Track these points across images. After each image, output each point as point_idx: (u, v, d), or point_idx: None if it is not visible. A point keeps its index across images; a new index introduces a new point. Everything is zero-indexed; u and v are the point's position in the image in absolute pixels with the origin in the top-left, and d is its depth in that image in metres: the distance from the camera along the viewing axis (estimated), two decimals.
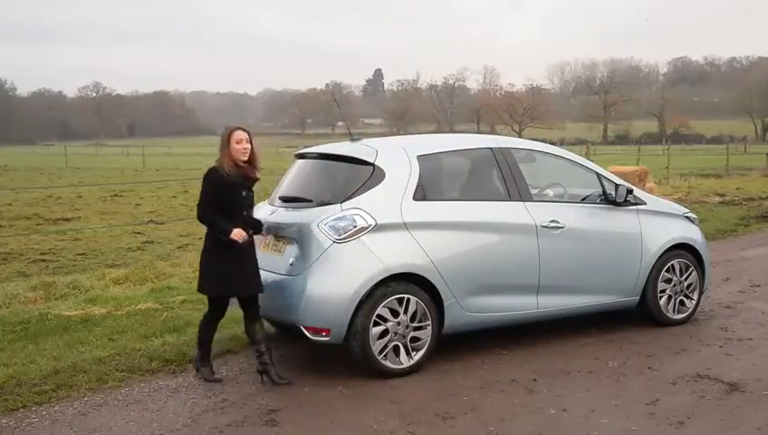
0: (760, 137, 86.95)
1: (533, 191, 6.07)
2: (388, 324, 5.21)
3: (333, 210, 5.24)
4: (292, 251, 5.35)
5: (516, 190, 5.86)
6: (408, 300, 5.26)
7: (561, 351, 5.83)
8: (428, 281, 5.33)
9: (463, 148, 6.25)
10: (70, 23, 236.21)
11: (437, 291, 5.37)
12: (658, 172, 24.03)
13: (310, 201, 5.55)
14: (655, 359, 5.60)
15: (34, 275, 9.44)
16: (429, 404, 4.75)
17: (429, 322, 5.35)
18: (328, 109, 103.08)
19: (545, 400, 4.81)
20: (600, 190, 6.30)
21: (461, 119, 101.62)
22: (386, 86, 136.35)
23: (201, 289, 5.22)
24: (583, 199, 6.32)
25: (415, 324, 5.30)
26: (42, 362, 5.55)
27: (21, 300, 7.54)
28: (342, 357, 5.31)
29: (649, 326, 6.42)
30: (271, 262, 5.51)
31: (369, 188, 5.36)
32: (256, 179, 5.14)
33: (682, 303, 6.54)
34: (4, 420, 4.56)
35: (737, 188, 20.14)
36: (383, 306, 5.18)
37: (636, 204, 6.37)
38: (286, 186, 6.01)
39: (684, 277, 6.53)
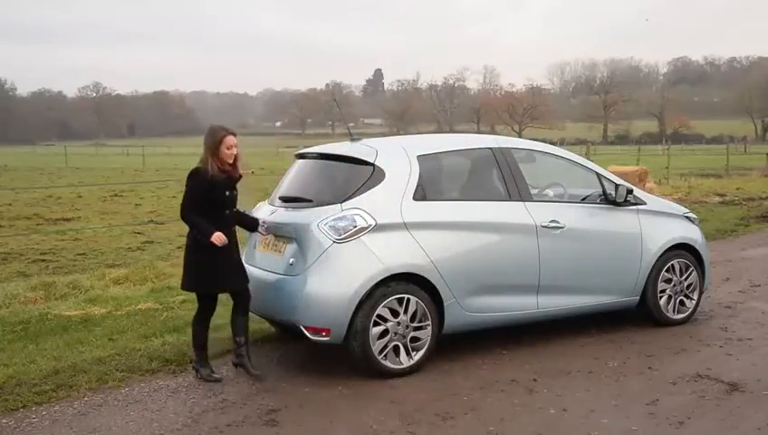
0: (760, 137, 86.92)
1: (533, 191, 6.07)
2: (388, 324, 5.20)
3: (333, 210, 5.24)
4: (292, 251, 5.35)
5: (516, 190, 5.86)
6: (408, 300, 5.26)
7: (561, 351, 5.83)
8: (428, 281, 5.33)
9: (463, 148, 6.25)
10: (70, 23, 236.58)
11: (437, 291, 5.37)
12: (658, 172, 24.03)
13: (310, 201, 5.55)
14: (655, 359, 5.60)
15: (34, 275, 9.44)
16: (429, 404, 4.75)
17: (429, 322, 5.35)
18: (328, 109, 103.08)
19: (545, 400, 4.81)
20: (600, 190, 6.29)
21: (461, 119, 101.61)
22: (386, 86, 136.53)
23: (186, 287, 5.28)
24: (583, 199, 6.32)
25: (415, 324, 5.30)
26: (42, 362, 5.55)
27: (21, 300, 7.55)
28: (342, 357, 5.31)
29: (649, 326, 6.42)
30: (271, 262, 5.51)
31: (369, 188, 5.36)
32: (239, 178, 5.22)
33: (682, 303, 6.54)
34: (4, 420, 4.56)
35: (737, 188, 20.14)
36: (383, 306, 5.18)
37: (636, 204, 6.37)
38: (286, 186, 6.01)
39: (684, 277, 6.53)
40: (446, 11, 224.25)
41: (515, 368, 5.44)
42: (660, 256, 6.38)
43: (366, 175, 5.43)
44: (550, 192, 6.44)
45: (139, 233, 14.05)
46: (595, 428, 4.35)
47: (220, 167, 5.06)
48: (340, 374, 5.28)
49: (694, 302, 6.62)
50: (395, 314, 5.22)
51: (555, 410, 4.62)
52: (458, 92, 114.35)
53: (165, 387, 5.14)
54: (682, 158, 37.51)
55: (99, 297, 7.65)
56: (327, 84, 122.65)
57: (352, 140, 5.90)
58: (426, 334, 5.35)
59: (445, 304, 5.42)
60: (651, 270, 6.34)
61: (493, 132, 78.46)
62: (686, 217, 6.79)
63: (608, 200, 6.26)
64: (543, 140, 9.78)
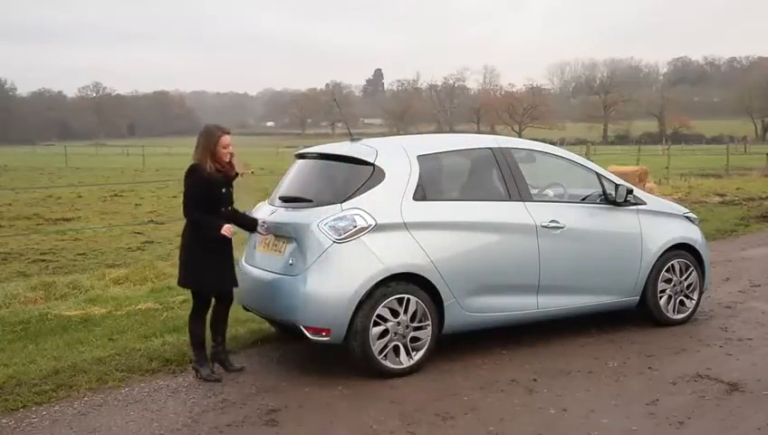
0: (760, 137, 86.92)
1: (533, 191, 6.07)
2: (388, 324, 5.20)
3: (333, 210, 5.24)
4: (291, 251, 5.35)
5: (516, 190, 5.86)
6: (408, 300, 5.26)
7: (561, 351, 5.83)
8: (428, 281, 5.33)
9: (463, 148, 6.25)
10: (70, 23, 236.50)
11: (437, 291, 5.37)
12: (658, 172, 24.02)
13: (310, 201, 5.56)
14: (655, 359, 5.60)
15: (34, 275, 9.44)
16: (429, 404, 4.75)
17: (429, 322, 5.35)
18: (328, 109, 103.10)
19: (545, 400, 4.81)
20: (600, 190, 6.29)
21: (461, 119, 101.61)
22: (386, 86, 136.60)
23: (185, 284, 5.32)
24: (583, 199, 6.32)
25: (415, 324, 5.30)
26: (42, 362, 5.55)
27: (21, 300, 7.55)
28: (342, 357, 5.31)
29: (649, 326, 6.42)
30: (271, 262, 5.51)
31: (369, 188, 5.36)
32: (235, 176, 5.28)
33: (682, 303, 6.54)
34: (4, 420, 4.56)
35: (737, 188, 20.13)
36: (383, 306, 5.18)
37: (636, 204, 6.37)
38: (286, 186, 6.01)
39: (684, 277, 6.53)
40: (446, 11, 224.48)
41: (515, 368, 5.44)
42: (660, 256, 6.38)
43: (366, 175, 5.43)
44: (550, 192, 6.44)
45: (139, 233, 14.05)
46: (595, 428, 4.35)
47: (217, 166, 5.12)
48: (340, 374, 5.28)
49: (694, 302, 6.62)
50: (395, 314, 5.22)
51: (555, 410, 4.62)
52: (458, 92, 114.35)
53: (165, 387, 5.14)
54: (682, 158, 37.52)
55: (99, 297, 7.65)
56: (327, 84, 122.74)
57: (352, 140, 5.90)
58: (426, 334, 5.35)
59: (445, 304, 5.42)
60: (651, 270, 6.34)
61: (493, 132, 78.47)
62: (686, 217, 6.79)
63: (608, 200, 6.26)
64: (543, 140, 9.78)
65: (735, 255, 10.05)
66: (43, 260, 11.21)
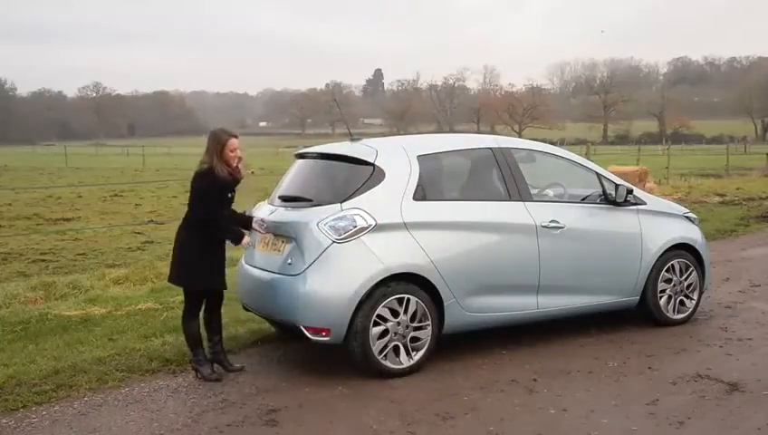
0: (760, 137, 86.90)
1: (533, 191, 6.06)
2: (388, 324, 5.20)
3: (333, 209, 5.24)
4: (290, 250, 5.35)
5: (516, 190, 5.86)
6: (408, 300, 5.26)
7: (561, 351, 5.83)
8: (428, 281, 5.32)
9: (463, 148, 6.25)
10: (70, 23, 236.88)
11: (437, 291, 5.37)
12: (658, 172, 24.02)
13: (309, 200, 5.56)
14: (655, 359, 5.60)
15: (34, 275, 9.44)
16: (429, 404, 4.75)
17: (429, 322, 5.35)
18: (328, 109, 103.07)
19: (545, 400, 4.81)
20: (600, 190, 6.29)
21: (461, 119, 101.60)
22: (386, 86, 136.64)
23: (177, 281, 5.38)
24: (583, 199, 6.32)
25: (415, 324, 5.30)
26: (42, 362, 5.55)
27: (21, 300, 7.54)
28: (342, 357, 5.31)
29: (649, 326, 6.42)
30: (270, 261, 5.51)
31: (369, 188, 5.36)
32: (240, 180, 5.32)
33: (682, 303, 6.54)
34: (4, 420, 4.56)
35: (737, 188, 20.13)
36: (383, 306, 5.18)
37: (636, 204, 6.37)
38: (286, 185, 6.01)
39: (684, 277, 6.53)
40: (446, 11, 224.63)
41: (515, 368, 5.44)
42: (660, 256, 6.38)
43: (366, 175, 5.43)
44: (550, 192, 6.44)
45: (139, 233, 14.05)
46: (595, 428, 4.35)
47: (227, 170, 5.17)
48: (340, 374, 5.28)
49: (694, 302, 6.62)
50: (395, 314, 5.22)
51: (555, 410, 4.62)
52: (458, 92, 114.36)
53: (165, 387, 5.15)
54: (682, 158, 37.51)
55: (99, 297, 7.65)
56: (327, 84, 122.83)
57: (352, 140, 5.90)
58: (426, 334, 5.35)
59: (445, 304, 5.42)
60: (651, 270, 6.34)
61: (493, 132, 78.46)
62: (686, 217, 6.79)
63: (608, 200, 6.26)
64: (543, 140, 9.79)
65: (735, 255, 10.05)
66: (43, 260, 11.21)
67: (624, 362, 5.54)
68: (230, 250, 5.54)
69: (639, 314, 6.50)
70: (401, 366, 5.26)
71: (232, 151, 5.16)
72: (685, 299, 6.56)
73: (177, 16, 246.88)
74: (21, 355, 5.73)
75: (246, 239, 5.38)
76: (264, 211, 5.80)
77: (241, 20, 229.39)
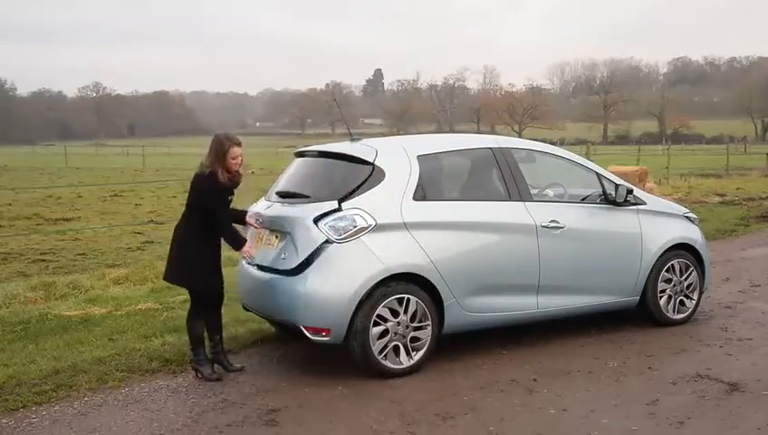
0: (760, 137, 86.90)
1: (533, 191, 6.06)
2: (388, 324, 5.20)
3: (329, 206, 5.23)
4: (284, 244, 5.35)
5: (516, 190, 5.85)
6: (408, 300, 5.26)
7: (561, 351, 5.83)
8: (428, 281, 5.32)
9: (463, 148, 6.24)
10: (70, 23, 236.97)
11: (437, 291, 5.37)
12: (658, 172, 24.02)
13: (307, 197, 5.55)
14: (655, 359, 5.60)
15: (34, 275, 9.44)
16: (429, 404, 4.75)
17: (429, 322, 5.35)
18: (328, 109, 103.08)
19: (545, 400, 4.81)
20: (600, 190, 6.29)
21: (461, 119, 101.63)
22: (386, 86, 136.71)
23: (176, 280, 5.43)
24: (583, 199, 6.32)
25: (415, 324, 5.30)
26: (42, 362, 5.55)
27: (21, 300, 7.54)
28: (342, 357, 5.31)
29: (649, 326, 6.42)
30: (263, 255, 5.52)
31: (369, 188, 5.35)
32: (239, 183, 5.37)
33: (682, 303, 6.54)
34: (4, 420, 4.56)
35: (737, 188, 20.13)
36: (383, 306, 5.18)
37: (636, 204, 6.36)
38: (284, 182, 6.00)
39: (684, 277, 6.53)
40: (446, 11, 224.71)
41: (515, 368, 5.44)
42: (660, 256, 6.38)
43: (366, 175, 5.43)
44: (550, 192, 6.44)
45: (139, 233, 14.04)
46: (595, 428, 4.35)
47: (228, 175, 5.22)
48: (340, 374, 5.28)
49: (694, 302, 6.62)
50: (395, 314, 5.22)
51: (555, 410, 4.62)
52: (458, 92, 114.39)
53: (165, 387, 5.14)
54: (682, 158, 37.52)
55: (99, 297, 7.65)
56: (327, 84, 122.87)
57: (352, 140, 5.90)
58: (426, 334, 5.35)
59: (445, 304, 5.41)
60: (651, 270, 6.34)
61: (493, 132, 78.46)
62: (686, 217, 6.79)
63: (608, 200, 6.26)
64: (543, 140, 9.78)
65: (735, 255, 10.05)
66: (43, 260, 11.20)
67: (624, 362, 5.54)
68: (231, 250, 5.53)
69: (639, 314, 6.50)
70: (401, 366, 5.26)
71: (233, 159, 5.21)
72: (685, 299, 6.56)
73: (177, 16, 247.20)
74: (21, 355, 5.72)
75: (248, 247, 5.36)
76: (261, 206, 5.80)
77: (241, 20, 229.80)
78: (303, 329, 5.15)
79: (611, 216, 6.25)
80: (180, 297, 7.35)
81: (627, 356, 5.68)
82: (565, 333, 6.22)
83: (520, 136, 68.21)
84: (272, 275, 5.43)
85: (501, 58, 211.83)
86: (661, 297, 6.42)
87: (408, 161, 5.55)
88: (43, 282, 8.24)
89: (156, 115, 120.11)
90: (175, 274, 5.36)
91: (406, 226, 5.31)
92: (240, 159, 5.25)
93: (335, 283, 5.10)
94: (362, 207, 5.24)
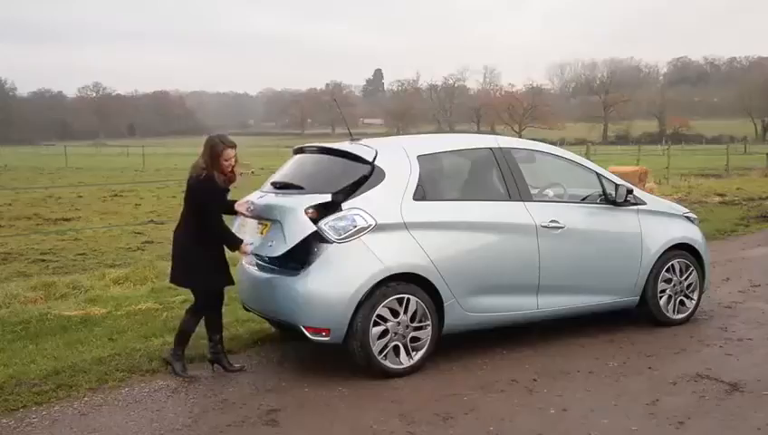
0: (760, 137, 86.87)
1: (533, 191, 6.06)
2: (388, 324, 5.20)
3: (322, 198, 5.20)
4: (273, 232, 5.34)
5: (516, 190, 5.85)
6: (408, 300, 5.26)
7: (561, 351, 5.83)
8: (428, 281, 5.32)
9: (463, 148, 6.24)
10: (70, 23, 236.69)
11: (437, 291, 5.37)
12: (658, 172, 24.00)
13: (301, 188, 5.55)
14: (655, 359, 5.60)
15: (34, 275, 9.43)
16: (429, 404, 4.75)
17: (429, 322, 5.35)
18: (328, 109, 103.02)
19: (545, 400, 4.81)
20: (600, 190, 6.30)
21: (461, 119, 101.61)
22: (386, 86, 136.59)
23: (184, 283, 5.47)
24: (583, 199, 6.32)
25: (415, 324, 5.30)
26: (42, 362, 5.55)
27: (21, 300, 7.54)
28: (342, 357, 5.31)
29: (649, 326, 6.42)
30: (255, 245, 5.51)
31: (368, 189, 5.35)
32: (233, 181, 5.41)
33: (682, 303, 6.54)
34: (4, 420, 4.56)
35: (737, 188, 20.14)
36: (383, 306, 5.18)
37: (636, 204, 6.36)
38: (280, 174, 6.00)
39: (684, 277, 6.53)
40: (446, 11, 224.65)
41: (515, 368, 5.44)
42: (660, 256, 6.38)
43: (366, 175, 5.42)
44: (550, 192, 6.44)
45: (139, 233, 14.03)
46: (595, 428, 4.35)
47: (222, 177, 5.26)
48: (340, 374, 5.28)
49: (694, 302, 6.62)
50: (395, 314, 5.22)
51: (555, 410, 4.62)
52: (458, 92, 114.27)
53: (165, 387, 5.14)
54: (682, 158, 37.45)
55: (99, 297, 7.65)
56: (327, 84, 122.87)
57: (352, 140, 5.90)
58: (426, 334, 5.35)
59: (445, 304, 5.41)
60: (651, 270, 6.34)
61: (493, 132, 78.45)
62: (686, 217, 6.79)
63: (608, 200, 6.26)
64: (543, 140, 9.78)
65: (735, 255, 10.05)
66: (43, 260, 11.19)
67: (624, 362, 5.54)
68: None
69: (639, 314, 6.50)
70: (401, 366, 5.26)
71: (227, 161, 5.24)
72: (685, 299, 6.56)
73: (177, 16, 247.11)
74: (21, 355, 5.73)
75: (246, 246, 5.37)
76: (254, 196, 5.80)
77: (241, 20, 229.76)
78: (303, 329, 5.15)
79: (611, 216, 6.25)
80: (180, 297, 7.34)
81: (627, 356, 5.68)
82: (565, 333, 6.22)
83: (520, 136, 68.15)
84: (272, 275, 5.44)
85: (501, 58, 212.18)
86: (661, 297, 6.42)
87: (408, 161, 5.55)
88: (43, 282, 8.24)
89: (156, 115, 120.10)
90: (181, 277, 5.40)
91: (406, 226, 5.31)
92: (233, 160, 5.28)
93: (335, 283, 5.10)
94: (362, 207, 5.24)
